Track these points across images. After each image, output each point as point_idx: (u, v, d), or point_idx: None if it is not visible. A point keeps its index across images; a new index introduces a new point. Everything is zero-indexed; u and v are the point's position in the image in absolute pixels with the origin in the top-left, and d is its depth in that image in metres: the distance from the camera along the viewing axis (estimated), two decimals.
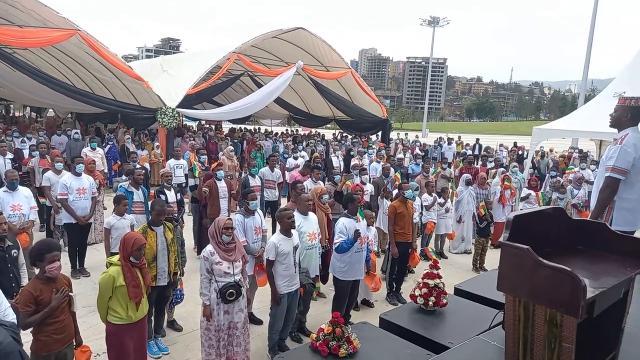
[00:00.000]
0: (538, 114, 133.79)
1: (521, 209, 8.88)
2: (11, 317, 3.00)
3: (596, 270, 2.12)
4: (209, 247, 4.11)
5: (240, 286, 4.08)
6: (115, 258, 3.78)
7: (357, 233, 4.96)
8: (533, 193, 8.59)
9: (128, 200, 5.91)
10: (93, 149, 11.04)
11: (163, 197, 6.58)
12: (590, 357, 2.08)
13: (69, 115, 23.07)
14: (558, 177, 9.61)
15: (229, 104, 17.34)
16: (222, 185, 7.32)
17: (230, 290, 3.95)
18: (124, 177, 7.79)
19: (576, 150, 17.69)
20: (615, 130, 3.60)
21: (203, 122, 24.22)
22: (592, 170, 10.56)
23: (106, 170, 11.68)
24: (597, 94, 17.92)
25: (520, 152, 17.78)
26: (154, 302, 4.66)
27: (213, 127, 23.55)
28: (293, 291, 4.62)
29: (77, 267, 6.89)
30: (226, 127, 25.53)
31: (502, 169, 10.34)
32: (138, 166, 8.95)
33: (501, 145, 20.04)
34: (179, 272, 4.97)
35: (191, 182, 9.64)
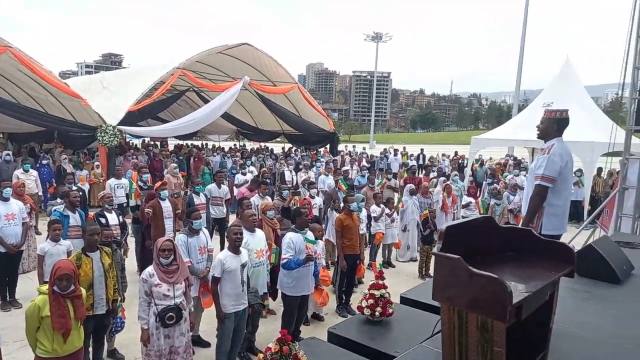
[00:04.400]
0: (477, 123, 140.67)
1: (462, 216, 9.25)
2: None
3: (523, 275, 2.24)
4: (149, 269, 3.97)
5: (181, 309, 3.94)
6: (45, 287, 3.56)
7: (307, 257, 4.97)
8: (473, 200, 8.98)
9: (62, 224, 5.58)
10: (26, 170, 10.38)
11: (104, 220, 6.29)
12: (520, 358, 2.18)
13: (0, 135, 21.62)
14: (495, 184, 10.10)
15: (174, 120, 16.96)
16: (166, 205, 7.10)
17: (170, 314, 3.81)
18: (59, 200, 7.36)
19: (511, 158, 18.71)
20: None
21: (147, 140, 23.49)
22: (525, 177, 11.22)
23: (40, 193, 11.02)
24: (529, 104, 19.11)
25: (460, 161, 18.56)
26: (91, 333, 4.40)
27: (158, 144, 22.89)
28: (240, 310, 4.53)
29: (8, 298, 6.41)
30: (172, 143, 24.88)
31: (443, 178, 10.75)
32: (75, 188, 8.51)
33: (443, 154, 20.86)
34: (119, 299, 4.74)
35: (132, 202, 9.28)
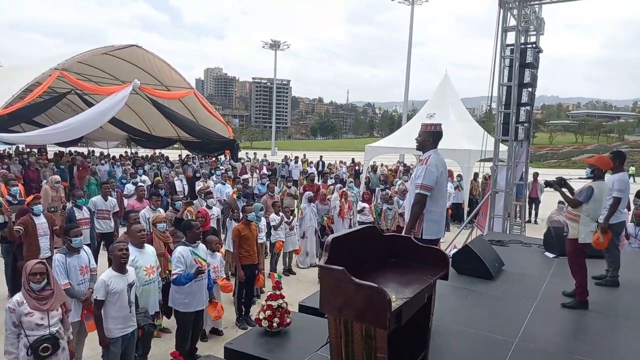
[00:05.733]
0: (372, 131, 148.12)
1: (358, 221, 9.65)
2: None
3: (404, 281, 2.39)
4: (17, 297, 3.51)
5: (58, 339, 3.56)
6: None
7: (198, 271, 4.81)
8: (367, 206, 9.42)
9: None
10: None
11: None
12: None
13: None
14: (387, 190, 10.71)
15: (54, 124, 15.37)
16: (41, 222, 6.37)
17: (45, 345, 3.42)
18: None
19: (402, 164, 19.98)
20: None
21: (22, 147, 21.00)
22: None
23: None
24: (416, 113, 20.62)
25: (357, 168, 19.36)
26: None
27: (35, 151, 20.58)
28: (129, 333, 4.21)
29: None
30: (52, 150, 22.50)
31: (339, 185, 11.12)
32: None
33: (341, 161, 21.56)
34: None
35: (0, 219, 8.20)
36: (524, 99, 8.34)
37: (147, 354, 4.93)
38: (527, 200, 11.53)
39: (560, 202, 9.03)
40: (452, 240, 8.43)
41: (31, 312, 3.47)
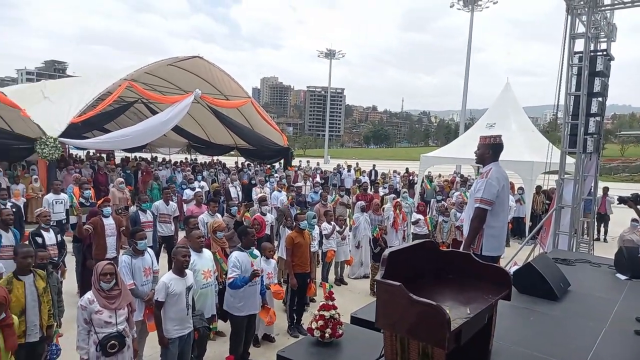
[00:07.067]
0: (427, 140, 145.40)
1: (412, 233, 9.46)
2: None
3: (463, 300, 2.31)
4: (88, 295, 3.75)
5: (124, 336, 3.75)
6: None
7: (254, 273, 4.90)
8: (422, 217, 9.21)
9: None
10: None
11: (40, 240, 5.94)
12: None
13: None
14: (443, 202, 10.43)
15: None
16: (109, 223, 6.78)
17: (112, 342, 3.62)
18: None
19: (458, 175, 19.39)
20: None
21: (92, 152, 22.49)
22: None
23: None
24: (475, 122, 19.99)
25: (411, 178, 19.02)
26: None
27: (104, 156, 21.96)
28: (185, 335, 4.37)
29: None
30: (119, 156, 23.93)
31: (393, 195, 10.97)
32: (9, 204, 7.98)
33: (395, 171, 21.29)
34: (54, 325, 4.45)
35: (73, 219, 8.81)
36: (594, 109, 7.83)
37: (203, 356, 5.08)
38: (596, 216, 10.81)
39: (634, 220, 8.40)
40: (513, 257, 8.05)
41: (100, 310, 3.68)
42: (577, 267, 6.34)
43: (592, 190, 8.82)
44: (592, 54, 7.83)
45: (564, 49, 7.89)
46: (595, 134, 7.98)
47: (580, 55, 7.92)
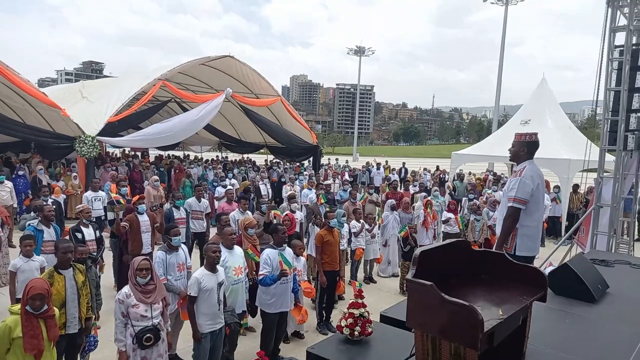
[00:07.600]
0: (458, 137, 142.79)
1: (443, 232, 9.33)
2: None
3: (496, 300, 2.27)
4: (125, 289, 3.89)
5: (159, 330, 3.87)
6: (17, 307, 3.46)
7: (282, 273, 4.95)
8: (453, 216, 9.07)
9: (34, 240, 5.43)
10: (1, 182, 10.14)
11: (79, 236, 6.17)
12: None
13: None
14: (475, 200, 10.23)
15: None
16: (144, 219, 6.99)
17: (148, 335, 3.74)
18: (32, 214, 7.18)
19: (491, 173, 18.96)
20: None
21: (127, 150, 23.17)
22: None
23: (15, 205, 10.75)
24: (509, 119, 19.48)
25: (442, 176, 18.73)
26: (63, 353, 4.29)
27: (139, 154, 22.59)
28: (217, 330, 4.46)
29: None
30: (153, 154, 24.58)
31: (424, 194, 10.84)
32: (50, 201, 8.33)
33: (425, 169, 21.02)
34: (92, 317, 4.63)
35: (110, 215, 9.12)
36: (635, 105, 7.50)
37: (234, 351, 5.17)
38: (637, 216, 10.37)
39: None
40: (548, 257, 7.83)
41: (137, 304, 3.81)
42: (616, 269, 6.10)
43: (633, 190, 8.46)
44: (634, 47, 7.50)
45: (603, 42, 7.59)
46: (637, 130, 7.64)
47: (621, 49, 7.60)
